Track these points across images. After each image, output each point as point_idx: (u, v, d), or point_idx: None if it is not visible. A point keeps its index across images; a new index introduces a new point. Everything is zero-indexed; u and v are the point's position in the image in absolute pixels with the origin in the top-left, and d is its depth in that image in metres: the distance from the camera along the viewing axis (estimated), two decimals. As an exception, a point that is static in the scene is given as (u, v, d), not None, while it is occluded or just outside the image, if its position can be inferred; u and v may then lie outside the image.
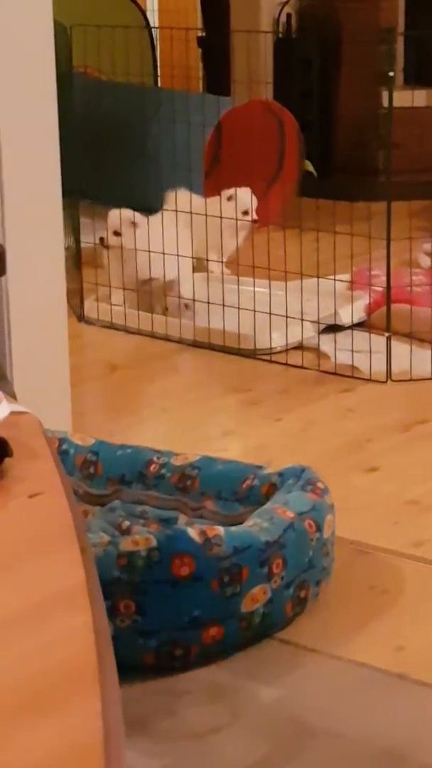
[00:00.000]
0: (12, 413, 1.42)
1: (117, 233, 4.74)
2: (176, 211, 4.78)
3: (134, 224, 4.72)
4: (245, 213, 5.03)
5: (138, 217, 4.75)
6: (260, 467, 2.93)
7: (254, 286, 4.65)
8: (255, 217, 5.05)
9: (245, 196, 5.10)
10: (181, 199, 4.95)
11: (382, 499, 3.21)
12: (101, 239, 4.79)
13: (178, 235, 4.67)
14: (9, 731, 0.87)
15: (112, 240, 4.76)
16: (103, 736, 0.86)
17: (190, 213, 4.77)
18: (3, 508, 1.27)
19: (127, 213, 4.75)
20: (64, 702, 0.90)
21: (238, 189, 5.13)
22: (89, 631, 0.97)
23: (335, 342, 4.32)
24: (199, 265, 5.04)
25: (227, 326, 4.44)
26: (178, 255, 4.64)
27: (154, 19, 7.88)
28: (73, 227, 4.93)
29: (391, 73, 4.38)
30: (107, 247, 4.77)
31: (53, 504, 1.24)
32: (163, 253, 4.64)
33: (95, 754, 0.84)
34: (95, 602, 1.03)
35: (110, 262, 4.79)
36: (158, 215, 4.74)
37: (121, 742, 0.91)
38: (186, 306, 4.64)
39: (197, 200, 4.98)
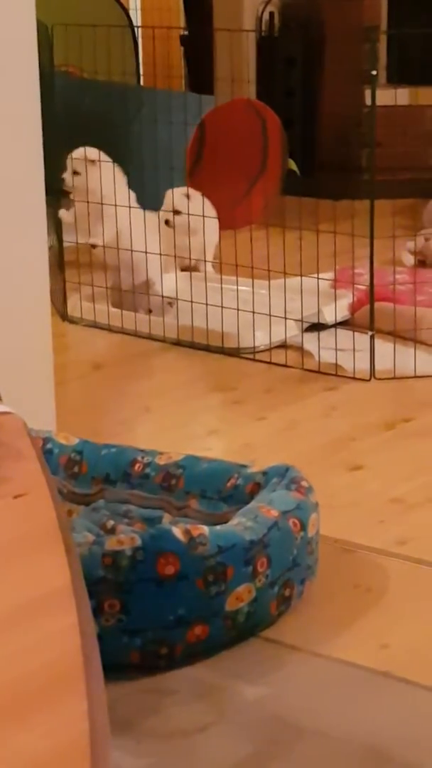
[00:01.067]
0: (-4, 414, 1.42)
1: (76, 172, 4.79)
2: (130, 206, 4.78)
3: (92, 162, 4.77)
4: (177, 212, 4.97)
5: (98, 154, 4.79)
6: (244, 466, 2.93)
7: (237, 285, 4.65)
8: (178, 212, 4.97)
9: (171, 195, 5.06)
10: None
11: (366, 498, 3.22)
12: (61, 179, 4.84)
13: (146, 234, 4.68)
14: (-5, 732, 0.87)
15: (75, 180, 4.80)
16: (90, 737, 0.86)
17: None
18: (-12, 508, 1.27)
19: (90, 151, 4.80)
20: (50, 703, 0.90)
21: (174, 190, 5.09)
22: (75, 633, 0.97)
23: (319, 340, 4.32)
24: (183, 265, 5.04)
25: (211, 325, 4.44)
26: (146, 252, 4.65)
27: (136, 18, 7.87)
28: (55, 226, 4.93)
29: (374, 72, 4.39)
30: (70, 191, 4.82)
31: (38, 504, 1.24)
32: (146, 252, 4.64)
33: (82, 754, 0.84)
34: (81, 603, 1.03)
35: (76, 206, 4.84)
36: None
37: (107, 743, 0.91)
38: (170, 304, 4.64)
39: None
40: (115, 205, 4.72)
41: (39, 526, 1.20)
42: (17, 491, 1.27)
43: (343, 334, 4.37)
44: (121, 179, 4.83)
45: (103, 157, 4.84)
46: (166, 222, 4.95)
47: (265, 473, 2.85)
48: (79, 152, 4.85)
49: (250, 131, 6.16)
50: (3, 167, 3.18)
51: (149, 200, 5.04)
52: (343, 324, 4.54)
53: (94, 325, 4.76)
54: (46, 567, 1.11)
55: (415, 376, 4.12)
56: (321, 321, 4.51)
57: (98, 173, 4.77)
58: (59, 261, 4.87)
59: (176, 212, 4.94)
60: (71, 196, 4.87)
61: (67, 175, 4.85)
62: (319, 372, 4.19)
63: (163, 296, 4.68)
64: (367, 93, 4.39)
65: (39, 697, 0.91)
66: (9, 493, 1.27)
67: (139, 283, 4.73)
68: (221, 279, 4.71)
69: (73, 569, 1.09)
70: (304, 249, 4.28)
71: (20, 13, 3.18)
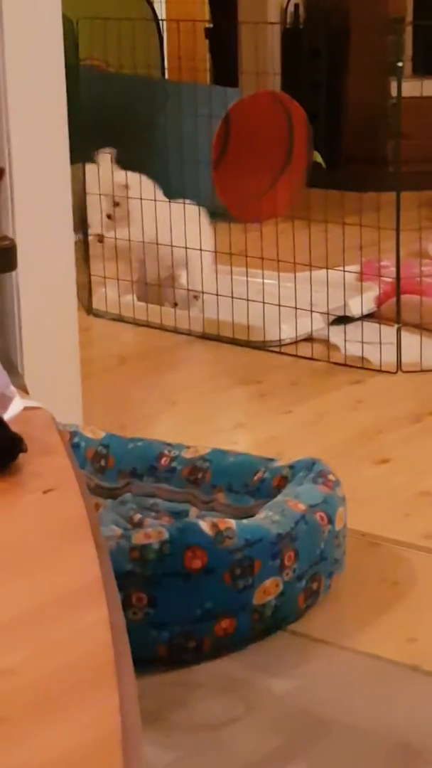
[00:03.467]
0: (25, 408, 1.42)
1: (116, 204, 4.73)
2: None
3: (126, 187, 4.71)
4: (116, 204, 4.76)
5: (129, 177, 4.73)
6: (271, 460, 2.93)
7: (263, 278, 4.64)
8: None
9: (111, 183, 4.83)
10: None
11: (393, 491, 3.21)
12: (108, 215, 4.75)
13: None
14: (27, 728, 0.87)
15: (117, 212, 4.73)
16: (122, 732, 0.86)
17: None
18: (17, 504, 1.27)
19: (118, 178, 4.73)
20: (81, 698, 0.91)
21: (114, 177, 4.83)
22: (106, 627, 0.98)
23: (345, 333, 4.32)
24: None
25: (236, 318, 4.43)
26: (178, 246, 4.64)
27: (161, 11, 7.86)
28: (80, 220, 4.93)
29: (400, 63, 4.38)
30: (111, 218, 4.75)
31: (67, 499, 1.24)
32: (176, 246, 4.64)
33: (114, 749, 0.85)
34: (111, 598, 1.03)
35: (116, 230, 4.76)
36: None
37: (139, 738, 0.91)
38: (195, 297, 4.64)
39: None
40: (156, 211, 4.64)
41: (69, 521, 1.20)
42: (47, 486, 1.27)
43: (370, 327, 4.36)
44: (150, 184, 4.75)
45: (132, 179, 4.73)
46: (108, 216, 4.77)
47: (291, 467, 2.84)
48: (113, 179, 4.72)
49: (275, 124, 6.15)
50: (29, 161, 3.18)
51: (175, 193, 5.04)
52: (369, 317, 4.53)
53: (120, 319, 4.76)
54: (76, 562, 1.11)
55: (442, 369, 4.11)
56: (347, 314, 4.51)
57: (136, 195, 4.67)
58: (84, 255, 4.87)
59: (116, 204, 4.78)
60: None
61: (107, 208, 4.75)
62: (345, 365, 4.18)
63: (189, 290, 4.67)
64: (393, 84, 4.38)
65: (70, 692, 0.91)
66: (39, 488, 1.27)
67: (165, 276, 4.72)
68: (247, 272, 4.70)
69: (103, 564, 1.09)
70: (329, 241, 4.28)
71: (46, 8, 3.18)
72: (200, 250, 4.67)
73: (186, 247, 4.63)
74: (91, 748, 0.85)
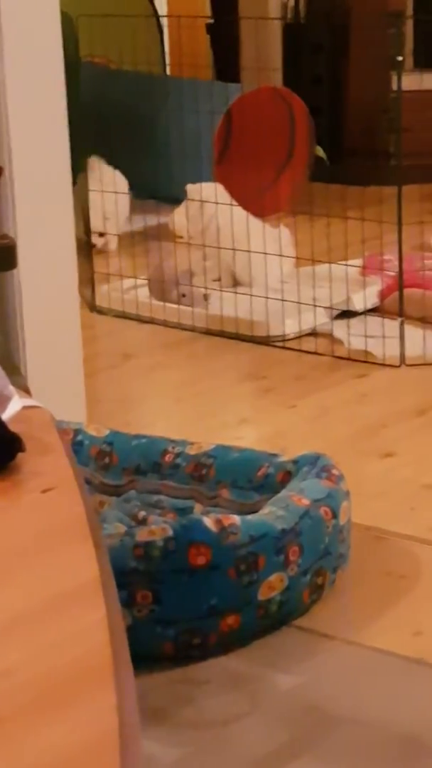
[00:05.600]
0: (24, 408, 1.42)
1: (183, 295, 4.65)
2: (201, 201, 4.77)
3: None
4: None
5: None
6: (275, 455, 2.93)
7: (266, 273, 4.63)
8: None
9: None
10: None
11: (398, 485, 3.21)
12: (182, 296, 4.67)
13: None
14: (25, 728, 0.87)
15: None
16: (119, 732, 0.86)
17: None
18: (16, 503, 1.27)
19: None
20: (79, 698, 0.91)
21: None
22: (104, 628, 0.98)
23: (348, 328, 4.32)
24: None
25: (240, 313, 4.43)
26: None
27: (162, 7, 7.85)
28: (82, 216, 4.93)
29: (400, 57, 4.37)
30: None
31: (66, 499, 1.24)
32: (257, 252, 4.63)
33: (111, 749, 0.85)
34: (109, 598, 1.03)
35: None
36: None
37: (137, 737, 0.91)
38: (205, 297, 4.62)
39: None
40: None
41: (67, 520, 1.20)
42: (45, 486, 1.27)
43: (373, 321, 4.35)
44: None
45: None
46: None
47: (295, 462, 2.84)
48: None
49: (277, 119, 6.15)
50: (29, 158, 3.19)
51: (176, 190, 5.04)
52: (372, 311, 4.52)
53: (123, 316, 4.76)
54: (74, 561, 1.11)
55: (446, 362, 4.10)
56: (350, 308, 4.50)
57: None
58: (87, 251, 4.87)
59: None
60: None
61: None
62: (349, 359, 4.18)
63: (206, 287, 4.62)
64: (394, 78, 4.37)
65: (67, 692, 0.92)
66: (37, 488, 1.27)
67: (181, 272, 4.66)
68: (250, 267, 4.69)
69: (101, 563, 1.09)
70: (332, 236, 4.27)
71: (43, 5, 3.18)
72: (281, 255, 4.59)
73: (266, 253, 4.54)
74: (88, 748, 0.85)
